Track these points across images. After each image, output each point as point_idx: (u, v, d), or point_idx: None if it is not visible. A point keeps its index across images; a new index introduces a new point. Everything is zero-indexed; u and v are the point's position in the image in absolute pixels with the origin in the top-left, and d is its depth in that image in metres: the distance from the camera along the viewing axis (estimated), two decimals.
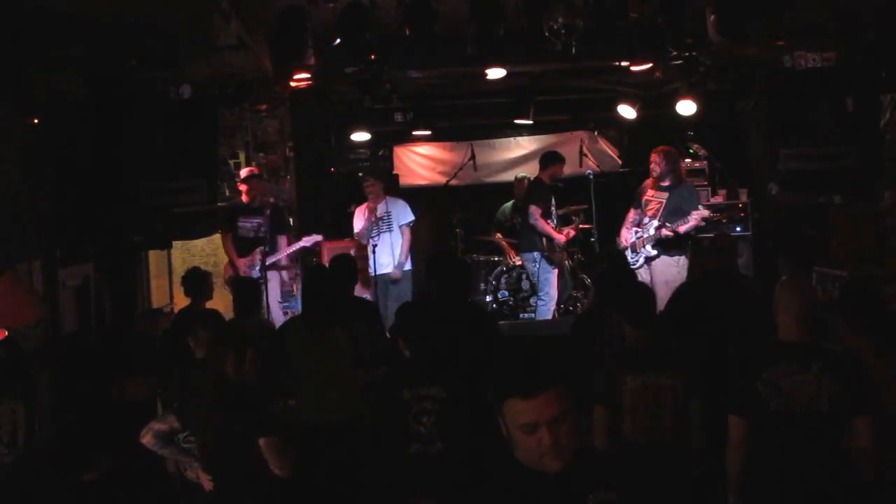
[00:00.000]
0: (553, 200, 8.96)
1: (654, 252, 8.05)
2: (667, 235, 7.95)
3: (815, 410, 3.65)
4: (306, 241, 8.53)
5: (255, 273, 8.03)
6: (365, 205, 9.07)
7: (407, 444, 4.13)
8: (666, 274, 7.92)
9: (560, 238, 8.87)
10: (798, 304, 3.82)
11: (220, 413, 4.34)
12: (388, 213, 8.95)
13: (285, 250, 8.50)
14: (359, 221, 9.08)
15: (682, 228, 7.89)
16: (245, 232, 8.32)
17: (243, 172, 8.65)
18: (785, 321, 3.83)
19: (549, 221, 8.82)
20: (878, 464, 3.70)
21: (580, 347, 5.43)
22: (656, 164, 8.10)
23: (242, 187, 8.48)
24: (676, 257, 8.00)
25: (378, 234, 8.87)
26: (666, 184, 8.11)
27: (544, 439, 2.29)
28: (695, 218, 7.88)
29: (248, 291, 6.34)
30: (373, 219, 8.90)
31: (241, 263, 8.23)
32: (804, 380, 3.67)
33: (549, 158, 9.13)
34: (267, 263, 8.17)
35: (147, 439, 4.60)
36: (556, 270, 8.92)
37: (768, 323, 4.01)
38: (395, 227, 8.92)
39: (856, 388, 3.66)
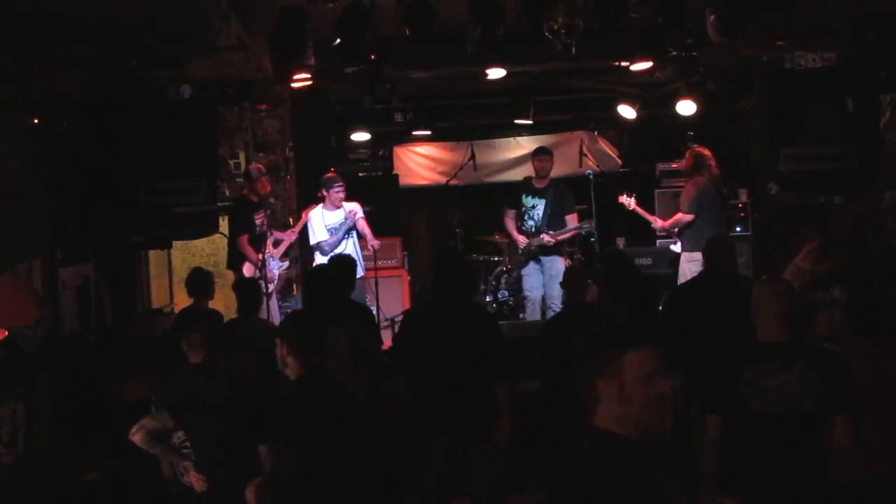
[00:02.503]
0: (535, 199, 8.62)
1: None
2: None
3: (800, 410, 3.62)
4: (305, 217, 8.41)
5: (276, 264, 8.21)
6: (321, 207, 8.40)
7: None
8: (690, 271, 7.81)
9: (517, 239, 8.64)
10: (776, 304, 3.78)
11: (222, 417, 4.32)
12: (346, 219, 8.40)
13: (290, 234, 8.46)
14: (320, 229, 8.36)
15: (667, 224, 8.05)
16: (259, 229, 8.26)
17: (255, 170, 8.52)
18: (763, 322, 3.79)
19: (522, 222, 8.59)
20: (861, 463, 3.71)
21: (550, 351, 5.45)
22: None
23: (256, 185, 8.35)
24: (697, 252, 7.93)
25: (347, 241, 8.42)
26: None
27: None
28: (675, 217, 7.93)
29: (249, 292, 6.34)
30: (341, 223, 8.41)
31: (258, 259, 8.19)
32: (788, 380, 3.64)
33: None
34: (278, 252, 8.25)
35: (138, 437, 4.46)
36: (524, 269, 8.70)
37: None
38: (352, 231, 8.41)
39: (838, 387, 3.64)
